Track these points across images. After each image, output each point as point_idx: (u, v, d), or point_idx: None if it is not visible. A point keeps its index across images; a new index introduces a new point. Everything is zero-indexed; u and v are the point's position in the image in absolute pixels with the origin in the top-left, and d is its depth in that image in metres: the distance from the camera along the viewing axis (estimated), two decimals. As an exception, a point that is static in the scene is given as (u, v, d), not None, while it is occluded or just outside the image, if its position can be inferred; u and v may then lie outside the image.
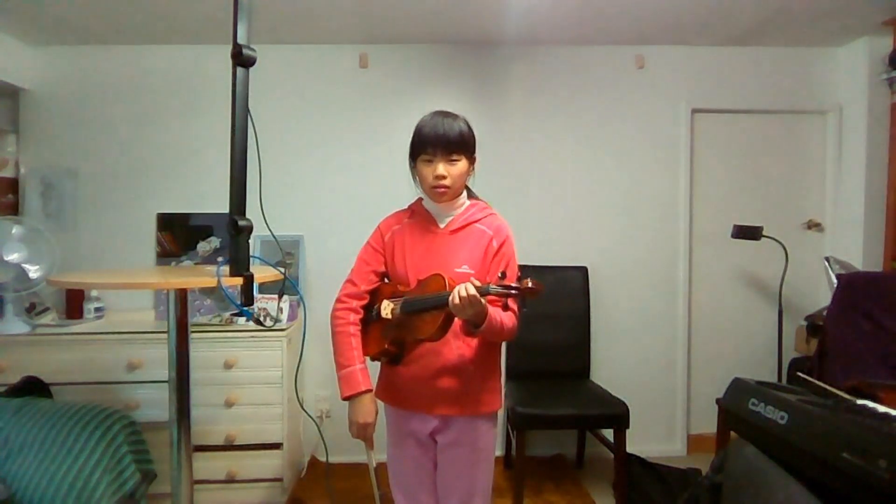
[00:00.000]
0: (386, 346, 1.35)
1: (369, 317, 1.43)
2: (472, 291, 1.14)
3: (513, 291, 1.15)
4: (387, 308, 1.36)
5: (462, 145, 1.33)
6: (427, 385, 1.34)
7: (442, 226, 1.40)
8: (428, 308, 1.26)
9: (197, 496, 1.38)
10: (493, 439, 1.43)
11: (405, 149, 1.39)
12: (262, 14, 2.32)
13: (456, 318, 1.26)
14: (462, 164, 1.34)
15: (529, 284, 1.13)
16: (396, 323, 1.34)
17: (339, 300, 1.43)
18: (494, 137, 2.72)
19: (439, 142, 1.30)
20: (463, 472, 1.38)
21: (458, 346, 1.33)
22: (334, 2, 2.25)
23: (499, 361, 1.44)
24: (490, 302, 1.25)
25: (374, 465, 1.49)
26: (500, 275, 1.20)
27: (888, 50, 2.55)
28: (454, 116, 1.35)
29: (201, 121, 2.67)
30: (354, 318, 1.41)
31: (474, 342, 1.35)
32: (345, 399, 1.37)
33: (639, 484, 2.30)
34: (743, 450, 1.31)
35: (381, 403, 1.43)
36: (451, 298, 1.16)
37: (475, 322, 1.22)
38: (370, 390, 1.37)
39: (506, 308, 1.32)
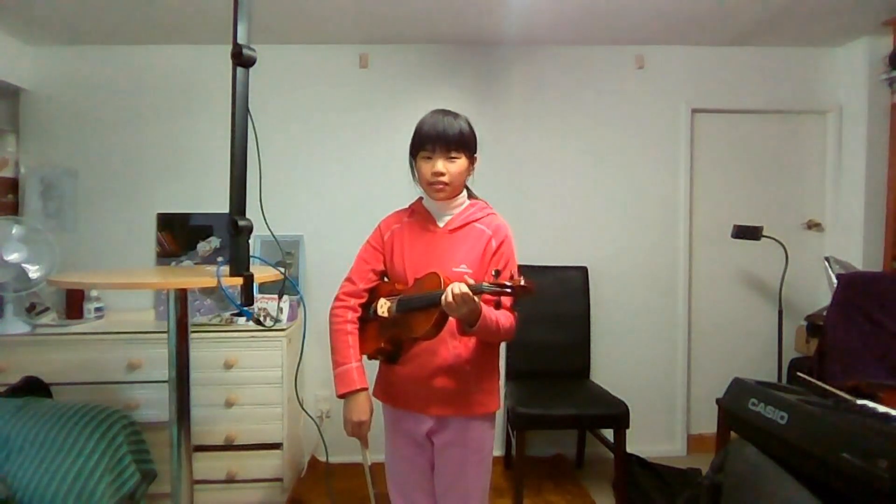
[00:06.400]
0: (382, 344, 1.35)
1: (367, 315, 1.42)
2: (465, 289, 1.13)
3: (507, 290, 1.14)
4: (383, 306, 1.35)
5: (462, 143, 1.32)
6: (422, 384, 1.33)
7: (441, 225, 1.40)
8: (422, 306, 1.25)
9: (197, 496, 1.38)
10: (490, 441, 1.41)
11: (405, 149, 1.39)
12: (262, 14, 2.32)
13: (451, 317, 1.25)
14: (461, 162, 1.34)
15: (522, 283, 1.13)
16: (392, 321, 1.33)
17: (337, 298, 1.43)
18: (494, 137, 2.72)
19: (439, 139, 1.30)
20: (459, 474, 1.37)
21: (454, 346, 1.32)
22: (334, 2, 2.25)
23: (497, 362, 1.43)
24: (486, 301, 1.24)
25: (370, 463, 1.49)
26: (493, 273, 1.18)
27: (888, 50, 2.54)
28: (455, 115, 1.35)
29: (201, 121, 2.67)
30: (352, 316, 1.41)
31: (471, 342, 1.34)
32: (340, 397, 1.36)
33: (639, 484, 2.30)
34: (743, 450, 1.31)
35: (378, 402, 1.43)
36: (443, 297, 1.15)
37: (469, 321, 1.21)
38: (365, 388, 1.36)
39: (498, 306, 1.31)
